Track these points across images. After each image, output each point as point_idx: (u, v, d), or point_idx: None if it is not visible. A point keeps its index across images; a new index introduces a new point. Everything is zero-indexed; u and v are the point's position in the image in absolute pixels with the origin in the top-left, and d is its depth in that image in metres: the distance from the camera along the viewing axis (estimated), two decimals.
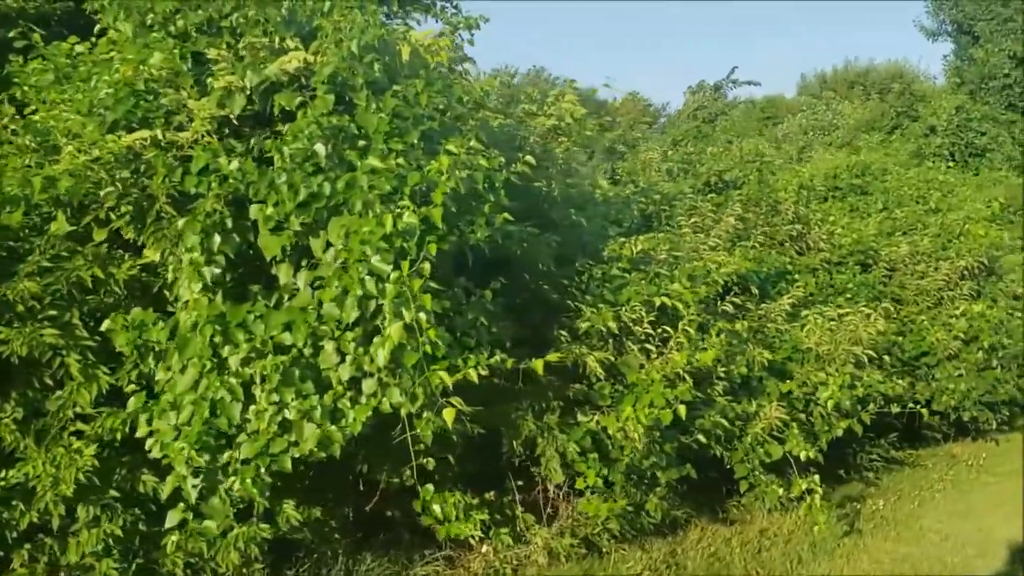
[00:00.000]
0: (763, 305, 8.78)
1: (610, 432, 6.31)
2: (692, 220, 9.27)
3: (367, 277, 4.53)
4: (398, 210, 4.62)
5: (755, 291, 9.02)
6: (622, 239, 6.95)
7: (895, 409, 8.41)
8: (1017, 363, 10.90)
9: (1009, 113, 29.55)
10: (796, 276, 10.18)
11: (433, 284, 4.56)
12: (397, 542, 7.26)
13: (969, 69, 31.42)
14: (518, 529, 7.25)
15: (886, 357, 9.23)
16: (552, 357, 5.45)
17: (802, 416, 7.99)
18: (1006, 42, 29.92)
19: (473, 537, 6.95)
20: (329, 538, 6.67)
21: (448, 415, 4.67)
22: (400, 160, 4.78)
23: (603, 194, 8.52)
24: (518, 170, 5.51)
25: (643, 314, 6.56)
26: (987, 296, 11.93)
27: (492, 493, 7.34)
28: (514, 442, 6.31)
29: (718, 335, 6.85)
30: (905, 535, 8.19)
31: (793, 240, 10.78)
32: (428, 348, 4.48)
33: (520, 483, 7.38)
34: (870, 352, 8.34)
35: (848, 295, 10.47)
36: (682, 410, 6.11)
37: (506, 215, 5.11)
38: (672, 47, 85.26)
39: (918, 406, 8.41)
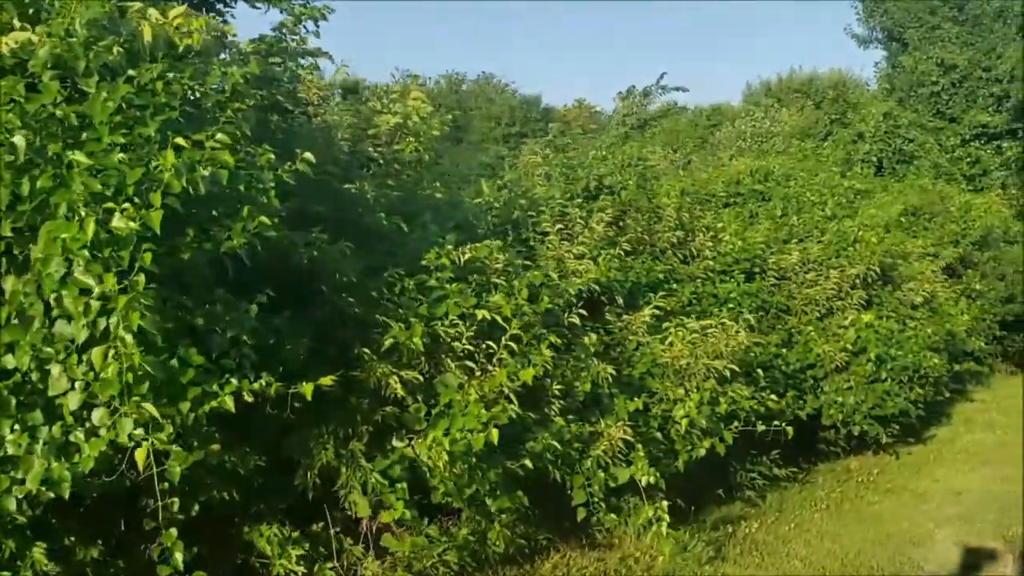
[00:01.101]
0: (625, 317, 8.28)
1: (423, 459, 5.74)
2: (557, 227, 8.72)
3: (64, 294, 3.90)
4: (114, 213, 3.99)
5: (620, 301, 8.53)
6: (449, 247, 6.36)
7: (761, 427, 7.91)
8: (908, 375, 10.53)
9: (937, 120, 29.62)
10: (674, 285, 9.71)
11: (145, 300, 3.92)
12: None
13: (899, 76, 31.50)
14: (345, 564, 6.66)
15: (760, 371, 8.77)
16: (325, 380, 4.85)
17: (658, 436, 7.49)
18: (934, 49, 29.98)
19: (294, 573, 6.37)
20: None
21: (139, 455, 4.05)
22: (123, 155, 4.15)
23: (447, 199, 7.94)
24: (294, 168, 4.90)
25: (463, 328, 5.99)
26: (884, 305, 11.60)
27: (320, 524, 6.75)
28: (308, 473, 5.68)
29: (550, 348, 6.30)
30: (769, 561, 7.71)
31: (675, 248, 10.31)
32: (129, 377, 3.85)
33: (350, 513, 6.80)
34: (733, 367, 7.85)
35: (731, 305, 10.03)
36: (494, 434, 5.55)
37: (264, 219, 4.50)
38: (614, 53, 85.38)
39: (785, 424, 7.90)
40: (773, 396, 8.60)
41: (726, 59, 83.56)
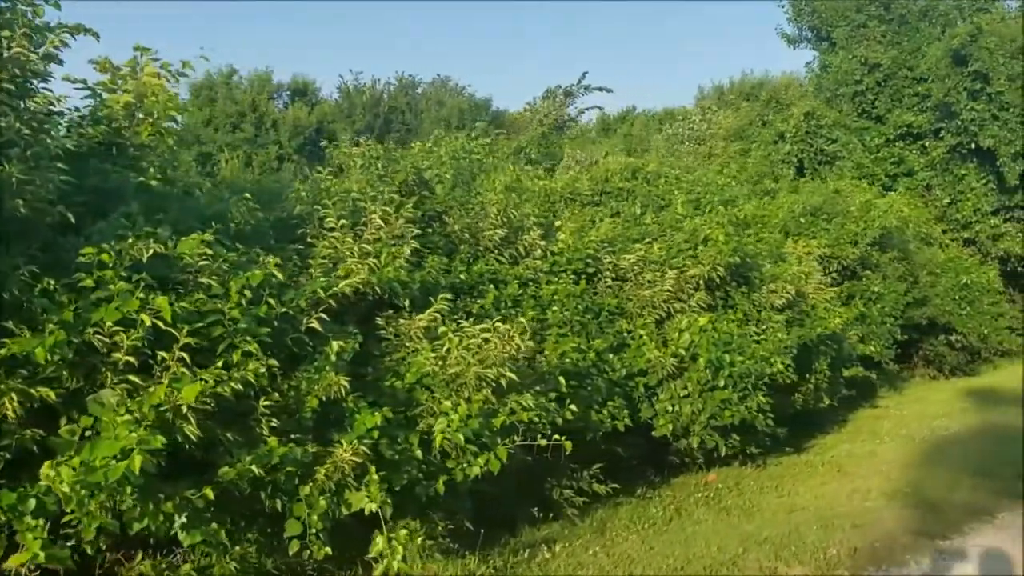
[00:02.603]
0: (402, 322, 7.47)
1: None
2: (342, 223, 7.88)
3: None
4: None
5: (407, 304, 7.72)
6: (130, 240, 5.51)
7: (542, 442, 7.11)
8: (751, 382, 9.78)
9: (862, 120, 29.13)
10: (489, 287, 8.93)
11: None
12: None
13: (826, 76, 31.04)
14: None
15: (562, 379, 7.99)
16: None
17: (418, 454, 6.68)
18: (859, 48, 29.53)
19: None
20: None
21: None
22: None
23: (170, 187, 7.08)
24: None
25: (123, 337, 5.14)
26: (737, 308, 10.89)
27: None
28: None
29: (246, 358, 5.48)
30: None
31: (501, 247, 9.52)
32: None
33: None
34: (511, 375, 7.05)
35: (555, 308, 9.27)
36: (136, 462, 4.70)
37: None
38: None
39: (564, 437, 7.08)
40: (573, 406, 7.83)
41: (687, 63, 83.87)
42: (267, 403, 5.76)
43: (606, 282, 10.00)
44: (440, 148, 10.09)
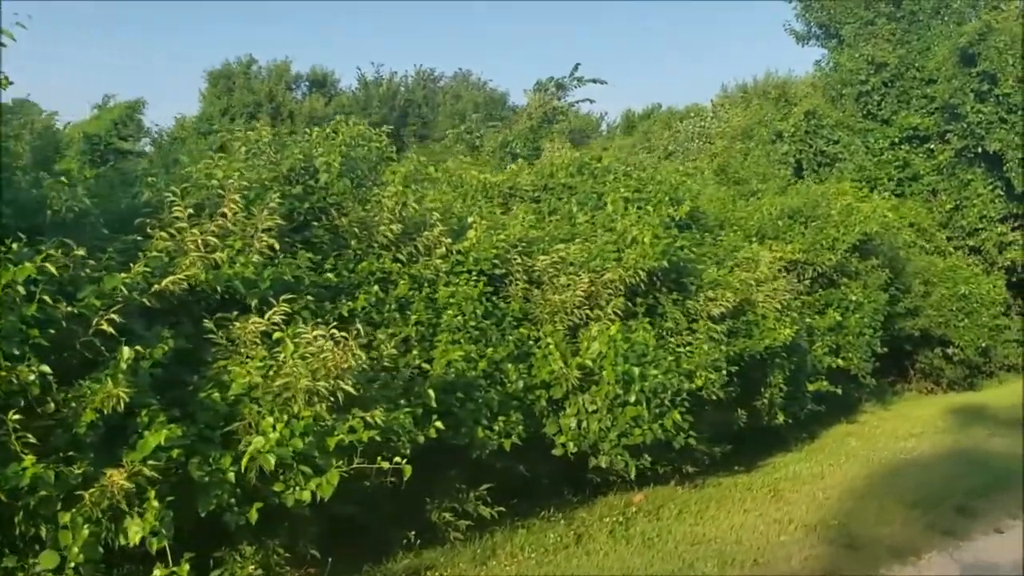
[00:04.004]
0: (236, 326, 6.69)
1: None
2: (189, 212, 7.11)
3: None
4: None
5: (252, 306, 6.94)
6: None
7: (384, 464, 6.29)
8: (669, 398, 8.90)
9: (867, 121, 27.93)
10: (373, 288, 8.14)
11: None
12: None
13: (832, 74, 29.90)
14: None
15: (430, 391, 7.18)
16: None
17: (231, 477, 5.89)
18: (866, 47, 28.34)
19: None
20: None
21: None
22: None
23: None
24: None
25: None
26: (666, 316, 10.02)
27: None
28: None
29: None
30: None
31: (396, 244, 8.72)
32: None
33: None
34: (348, 388, 6.24)
35: (451, 311, 8.46)
36: None
37: None
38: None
39: (405, 461, 6.25)
40: (439, 423, 7.03)
41: (720, 61, 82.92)
42: (17, 417, 5.00)
43: (518, 285, 9.16)
44: (339, 135, 9.27)
